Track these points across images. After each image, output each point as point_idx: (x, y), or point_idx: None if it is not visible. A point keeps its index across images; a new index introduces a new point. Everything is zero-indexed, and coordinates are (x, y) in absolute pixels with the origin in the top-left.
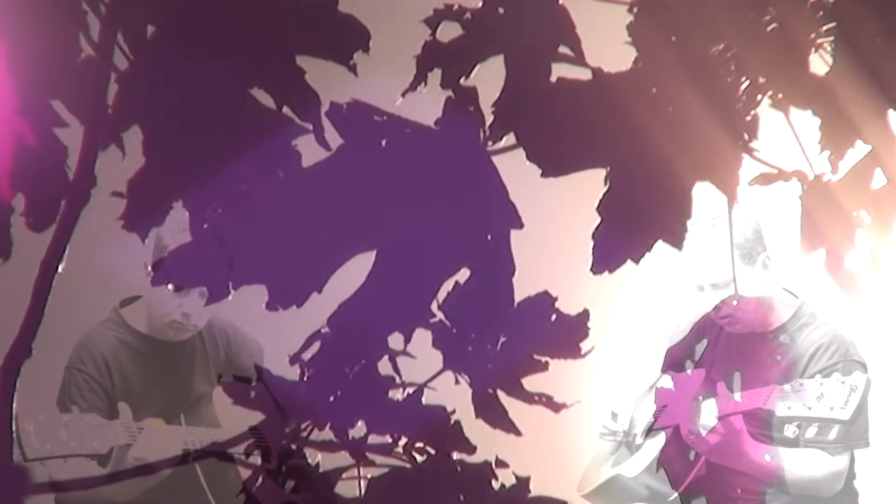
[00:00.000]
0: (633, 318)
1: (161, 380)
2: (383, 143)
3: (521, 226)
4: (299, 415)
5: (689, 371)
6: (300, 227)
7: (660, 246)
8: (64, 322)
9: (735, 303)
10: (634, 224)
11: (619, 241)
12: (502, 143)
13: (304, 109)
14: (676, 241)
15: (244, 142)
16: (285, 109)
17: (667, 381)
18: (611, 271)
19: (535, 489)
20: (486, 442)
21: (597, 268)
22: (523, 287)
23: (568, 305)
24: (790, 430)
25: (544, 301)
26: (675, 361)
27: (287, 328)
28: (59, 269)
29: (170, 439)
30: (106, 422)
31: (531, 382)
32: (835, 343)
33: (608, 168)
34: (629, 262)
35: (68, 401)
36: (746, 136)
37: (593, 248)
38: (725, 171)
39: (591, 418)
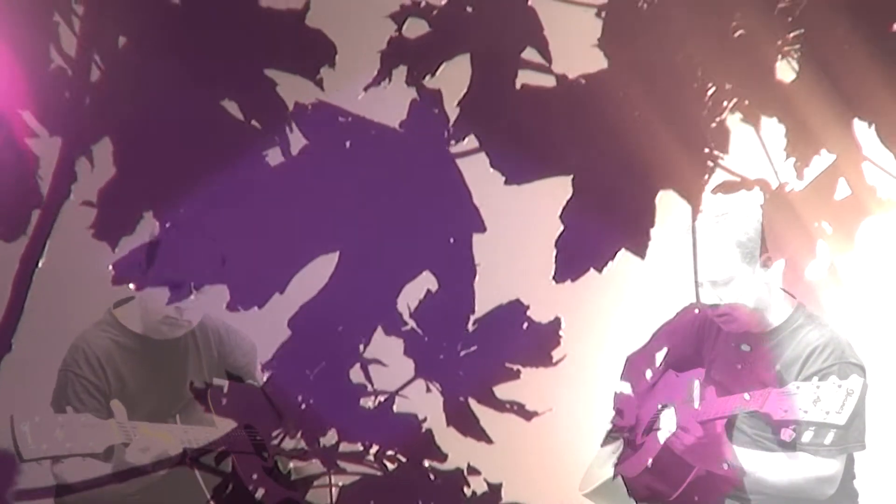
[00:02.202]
0: (623, 318)
1: (155, 379)
2: (347, 144)
3: (483, 229)
4: (294, 412)
5: (648, 377)
6: (263, 227)
7: (660, 242)
8: (60, 323)
9: (697, 311)
10: (597, 233)
11: (581, 249)
12: (467, 146)
13: (271, 121)
14: (639, 249)
15: (214, 152)
16: (253, 122)
17: (626, 388)
18: (573, 280)
19: (507, 496)
20: (457, 450)
21: (559, 277)
22: (489, 293)
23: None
24: (786, 434)
25: (516, 309)
26: (635, 370)
27: (283, 326)
28: (40, 264)
29: (166, 438)
30: (101, 421)
31: (517, 386)
32: (831, 345)
33: (572, 176)
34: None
35: (65, 403)
36: (712, 144)
37: (556, 257)
38: (691, 179)
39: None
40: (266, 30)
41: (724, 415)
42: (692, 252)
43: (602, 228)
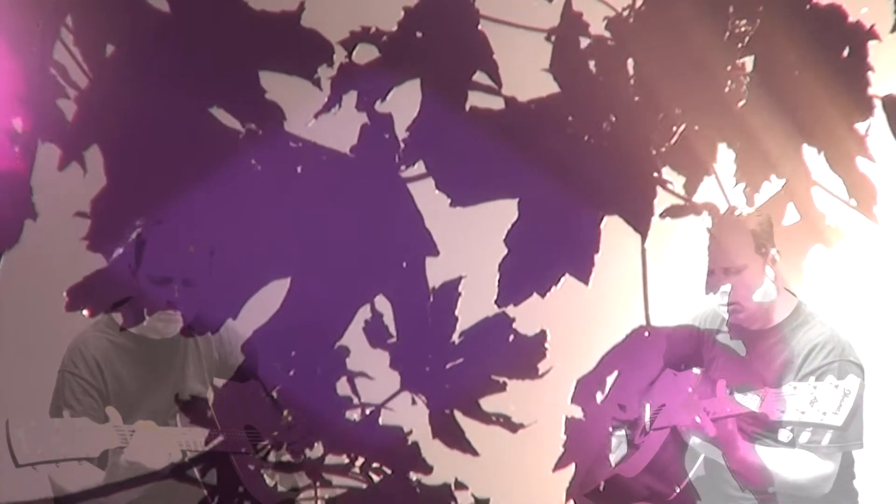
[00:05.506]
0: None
1: (154, 380)
2: (299, 169)
3: (436, 253)
4: (293, 408)
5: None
6: (215, 252)
7: (667, 235)
8: (57, 329)
9: (647, 334)
10: (541, 257)
11: (525, 274)
12: (418, 171)
13: (266, 124)
14: (583, 275)
15: (205, 160)
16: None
17: (576, 411)
18: (515, 304)
19: None
20: (443, 463)
21: (501, 301)
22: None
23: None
24: (784, 435)
25: (502, 322)
26: (585, 393)
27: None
28: None
29: (163, 441)
30: (97, 425)
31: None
32: (830, 342)
33: (518, 199)
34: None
35: (63, 405)
36: (661, 168)
37: (499, 281)
38: (639, 204)
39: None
40: (260, 32)
41: (722, 415)
42: (642, 275)
43: (546, 253)
